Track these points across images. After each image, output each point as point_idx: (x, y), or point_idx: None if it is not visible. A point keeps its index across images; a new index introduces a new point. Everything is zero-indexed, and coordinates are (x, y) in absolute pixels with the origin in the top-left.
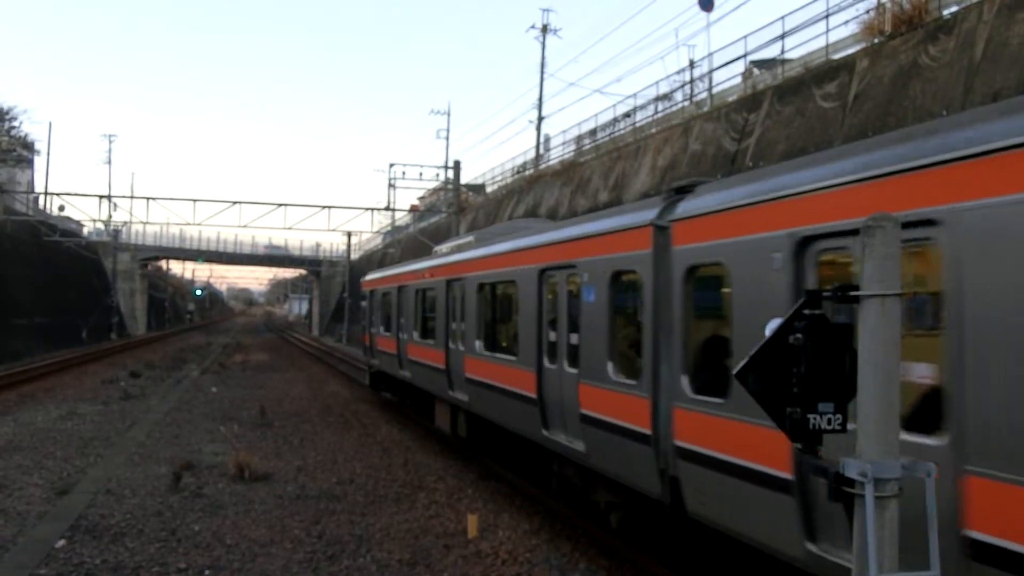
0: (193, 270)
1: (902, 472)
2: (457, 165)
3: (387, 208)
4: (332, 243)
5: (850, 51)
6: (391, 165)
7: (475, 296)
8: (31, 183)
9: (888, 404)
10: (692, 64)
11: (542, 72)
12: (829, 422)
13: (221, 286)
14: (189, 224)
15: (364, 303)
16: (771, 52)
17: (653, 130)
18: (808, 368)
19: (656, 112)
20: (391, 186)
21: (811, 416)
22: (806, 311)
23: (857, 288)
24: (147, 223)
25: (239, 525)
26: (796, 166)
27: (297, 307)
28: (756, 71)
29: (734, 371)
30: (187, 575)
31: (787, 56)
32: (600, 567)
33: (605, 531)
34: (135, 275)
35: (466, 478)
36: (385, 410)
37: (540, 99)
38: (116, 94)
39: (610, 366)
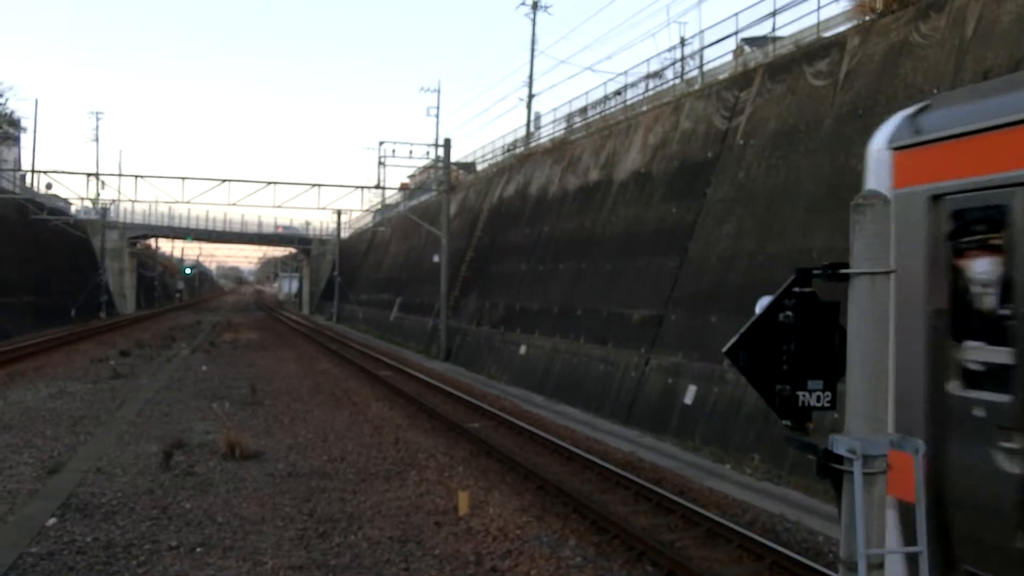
0: (182, 248)
1: (890, 449)
2: (447, 143)
3: (377, 186)
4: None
5: (841, 29)
6: (381, 143)
7: None
8: (18, 161)
9: (877, 381)
10: (683, 42)
11: (533, 49)
12: (818, 399)
13: (211, 264)
14: (178, 202)
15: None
16: (762, 29)
17: (644, 108)
18: (798, 346)
19: (647, 90)
20: (381, 164)
21: (800, 393)
22: (796, 288)
23: (846, 266)
24: (136, 201)
25: (230, 503)
26: None
27: (287, 286)
28: (747, 49)
29: (724, 348)
30: (178, 552)
31: (778, 34)
32: (590, 543)
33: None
34: (124, 253)
35: (456, 455)
36: (376, 388)
37: (531, 77)
38: (104, 72)
39: None
